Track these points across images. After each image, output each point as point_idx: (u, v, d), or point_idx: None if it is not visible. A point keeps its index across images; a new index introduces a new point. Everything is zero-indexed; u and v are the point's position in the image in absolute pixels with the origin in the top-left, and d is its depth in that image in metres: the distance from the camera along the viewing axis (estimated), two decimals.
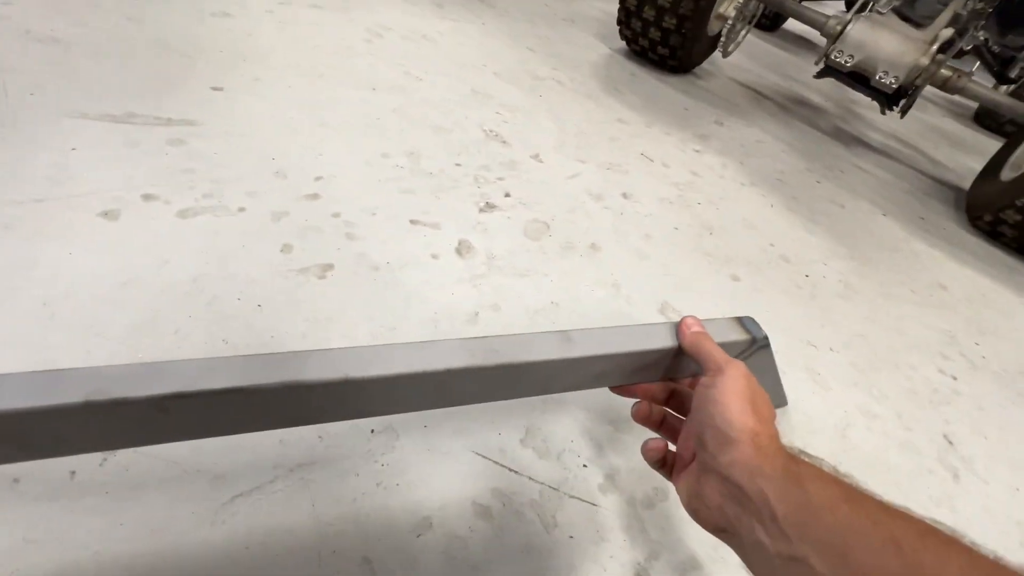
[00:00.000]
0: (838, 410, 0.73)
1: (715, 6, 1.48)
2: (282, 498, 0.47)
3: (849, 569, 0.25)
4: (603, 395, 0.49)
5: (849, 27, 1.28)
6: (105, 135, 0.77)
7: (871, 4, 1.32)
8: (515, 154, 1.04)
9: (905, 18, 1.38)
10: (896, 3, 1.39)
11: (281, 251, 0.69)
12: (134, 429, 0.34)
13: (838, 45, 1.29)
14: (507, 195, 0.92)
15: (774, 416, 0.36)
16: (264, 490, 0.48)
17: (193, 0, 1.16)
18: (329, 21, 1.28)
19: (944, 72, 1.25)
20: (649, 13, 1.45)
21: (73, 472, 0.45)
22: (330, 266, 0.69)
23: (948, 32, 1.23)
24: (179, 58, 0.98)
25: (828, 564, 0.26)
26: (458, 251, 0.78)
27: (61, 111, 0.78)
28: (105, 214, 0.66)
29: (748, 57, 2.01)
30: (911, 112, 1.39)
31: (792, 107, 1.74)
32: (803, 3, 1.46)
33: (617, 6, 1.53)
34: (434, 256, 0.76)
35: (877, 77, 1.25)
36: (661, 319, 0.78)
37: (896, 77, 1.23)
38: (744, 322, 0.50)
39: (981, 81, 1.31)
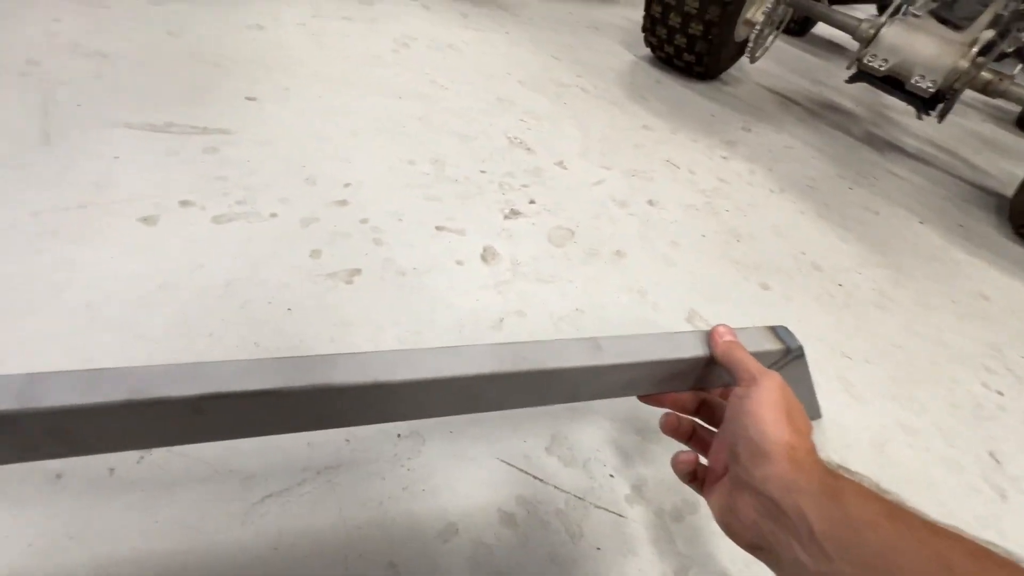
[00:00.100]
0: (875, 424, 0.70)
1: (742, 11, 1.46)
2: (310, 500, 0.48)
3: None
4: (629, 404, 0.48)
5: (883, 30, 1.25)
6: (146, 144, 0.80)
7: (905, 6, 1.29)
8: (540, 161, 1.04)
9: (943, 20, 1.34)
10: (933, 5, 1.35)
11: (310, 256, 0.70)
12: (171, 428, 0.35)
13: (871, 49, 1.25)
14: (532, 202, 0.92)
15: (811, 429, 0.35)
16: (293, 492, 0.48)
17: (229, 14, 1.20)
18: (358, 32, 1.31)
19: (985, 75, 1.21)
20: (675, 20, 1.43)
21: (112, 469, 0.46)
22: (357, 271, 0.70)
23: (989, 34, 1.19)
24: (215, 69, 1.01)
25: None
26: (483, 257, 0.78)
27: (106, 121, 0.82)
28: (144, 219, 0.69)
29: (776, 63, 1.98)
30: (948, 117, 1.34)
31: (822, 112, 1.70)
32: (833, 7, 1.43)
33: (641, 13, 1.53)
34: (459, 262, 0.77)
35: (913, 81, 1.21)
36: (688, 327, 0.77)
37: (934, 81, 1.19)
38: (778, 331, 0.49)
39: None
